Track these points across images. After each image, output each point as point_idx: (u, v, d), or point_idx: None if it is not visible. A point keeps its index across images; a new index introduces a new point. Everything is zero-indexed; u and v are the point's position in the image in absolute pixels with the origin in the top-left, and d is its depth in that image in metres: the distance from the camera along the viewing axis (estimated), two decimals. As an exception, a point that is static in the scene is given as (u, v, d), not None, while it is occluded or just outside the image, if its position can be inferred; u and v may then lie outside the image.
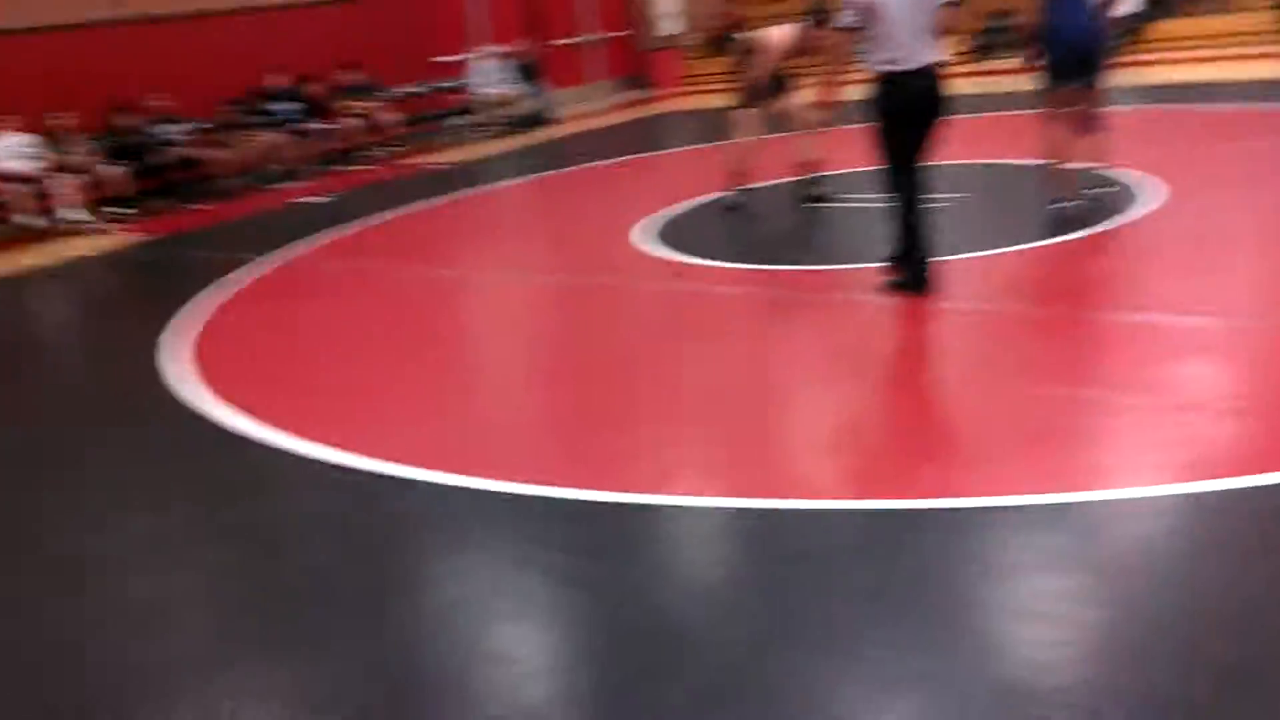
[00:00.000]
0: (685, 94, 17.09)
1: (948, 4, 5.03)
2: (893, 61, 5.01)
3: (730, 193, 7.52)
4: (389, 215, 9.10)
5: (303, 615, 2.84)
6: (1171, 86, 11.06)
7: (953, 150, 8.58)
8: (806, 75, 7.28)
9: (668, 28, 18.76)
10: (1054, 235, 5.75)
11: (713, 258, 6.21)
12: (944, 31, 5.09)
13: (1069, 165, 6.10)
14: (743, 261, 6.11)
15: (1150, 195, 6.37)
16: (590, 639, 2.61)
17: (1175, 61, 12.78)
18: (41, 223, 9.86)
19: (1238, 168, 7.16)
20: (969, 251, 5.65)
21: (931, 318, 4.85)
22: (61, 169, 10.09)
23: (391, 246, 7.97)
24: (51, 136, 10.27)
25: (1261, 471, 2.99)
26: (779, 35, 7.11)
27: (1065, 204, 6.05)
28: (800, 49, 7.11)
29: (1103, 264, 5.53)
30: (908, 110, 5.06)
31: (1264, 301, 4.57)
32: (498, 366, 5.15)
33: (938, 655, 2.34)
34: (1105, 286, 5.26)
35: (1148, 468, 3.17)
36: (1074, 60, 5.95)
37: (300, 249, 8.03)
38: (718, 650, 2.44)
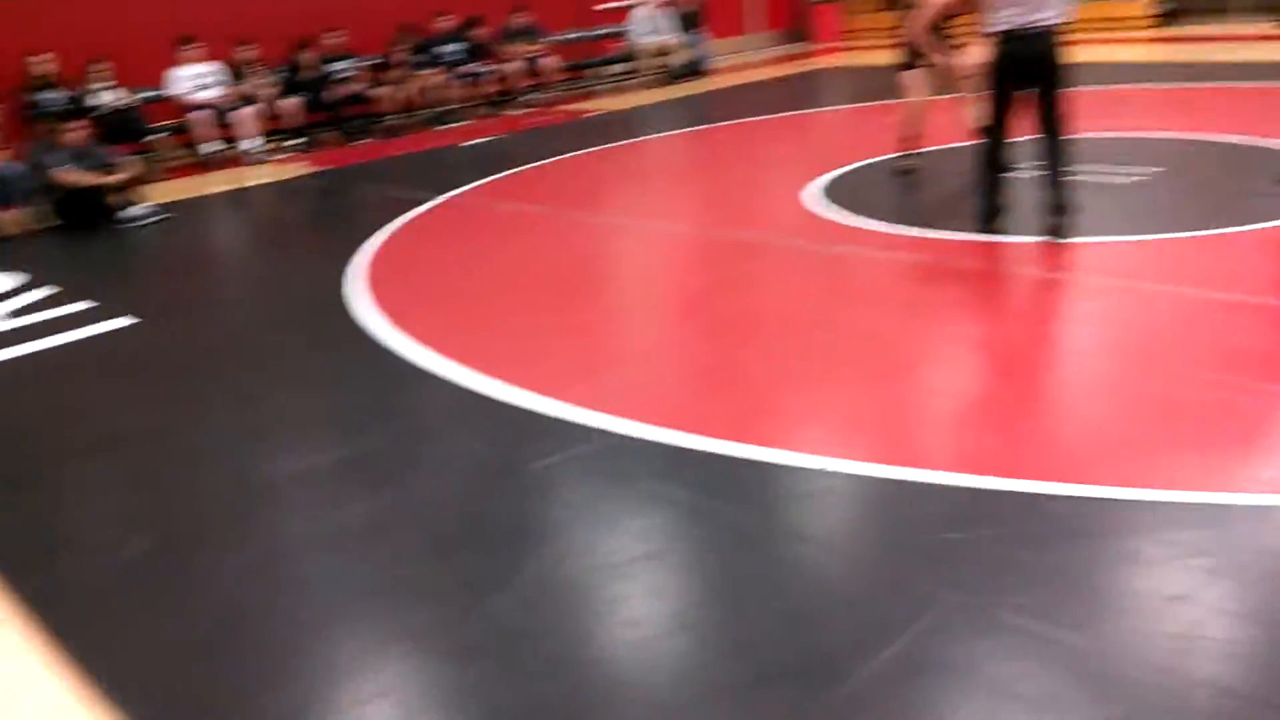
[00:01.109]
0: (846, 49, 16.65)
1: None
2: (1008, 22, 5.10)
3: (902, 155, 7.29)
4: (550, 160, 9.18)
5: (454, 556, 2.92)
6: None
7: (1135, 122, 8.25)
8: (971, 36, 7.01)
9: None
10: (1251, 222, 5.37)
11: (882, 219, 6.05)
12: None
13: None
14: (912, 226, 5.92)
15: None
16: (734, 583, 2.59)
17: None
18: (223, 149, 10.34)
19: None
20: (1149, 233, 5.35)
21: (1100, 295, 4.61)
22: (242, 99, 10.54)
23: (554, 191, 8.04)
24: (234, 68, 10.72)
25: None
26: None
27: None
28: (961, 8, 6.75)
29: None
30: (1019, 72, 5.17)
31: None
32: (656, 317, 5.15)
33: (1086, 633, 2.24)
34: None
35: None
36: None
37: (464, 188, 8.19)
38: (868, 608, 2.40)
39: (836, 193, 6.82)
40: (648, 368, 4.33)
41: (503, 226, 7.03)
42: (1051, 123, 5.29)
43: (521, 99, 12.83)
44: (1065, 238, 5.27)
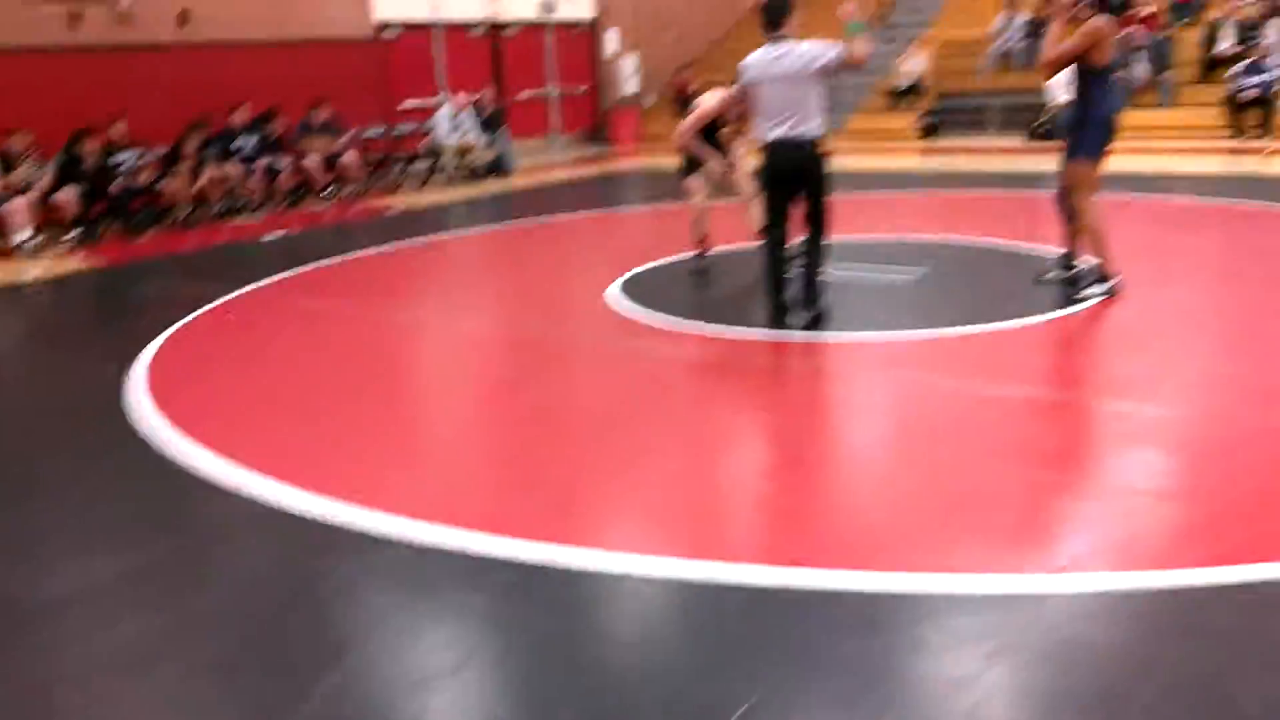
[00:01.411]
0: (643, 152, 17.31)
1: (826, 67, 5.50)
2: (772, 133, 5.62)
3: (696, 255, 7.59)
4: (347, 256, 9.02)
5: (240, 673, 2.76)
6: (1122, 177, 11.48)
7: (907, 225, 8.94)
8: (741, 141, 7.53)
9: (629, 86, 19.03)
10: (1013, 317, 5.86)
11: (678, 316, 6.24)
12: (857, 63, 5.56)
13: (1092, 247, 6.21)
14: (705, 323, 6.13)
15: (1102, 283, 6.53)
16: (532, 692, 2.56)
17: (1119, 151, 13.28)
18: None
19: (1191, 259, 7.42)
20: (922, 329, 5.74)
21: (881, 388, 4.92)
22: (9, 189, 9.87)
23: (353, 288, 7.88)
24: (4, 157, 10.05)
25: (1222, 564, 3.06)
26: (709, 100, 7.16)
27: (1105, 281, 6.13)
28: (730, 115, 7.19)
29: (1059, 348, 5.67)
30: (784, 179, 5.66)
31: (1238, 396, 4.68)
32: (457, 417, 5.09)
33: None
34: (1058, 370, 5.39)
35: (1100, 554, 3.22)
36: (1110, 140, 6.06)
37: (259, 284, 7.91)
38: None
39: (636, 290, 7.01)
40: (448, 469, 4.26)
41: (298, 324, 6.82)
42: (812, 226, 5.76)
43: (321, 194, 12.61)
44: (822, 332, 5.67)
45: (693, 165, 7.42)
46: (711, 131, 7.15)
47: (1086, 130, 6.02)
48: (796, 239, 5.88)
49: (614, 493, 3.91)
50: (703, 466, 4.13)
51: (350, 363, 5.82)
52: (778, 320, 5.86)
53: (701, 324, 6.09)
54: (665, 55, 19.50)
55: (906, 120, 16.52)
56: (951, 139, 16.06)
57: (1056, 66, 6.05)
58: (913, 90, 16.84)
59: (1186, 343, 5.50)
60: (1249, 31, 14.40)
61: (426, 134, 14.48)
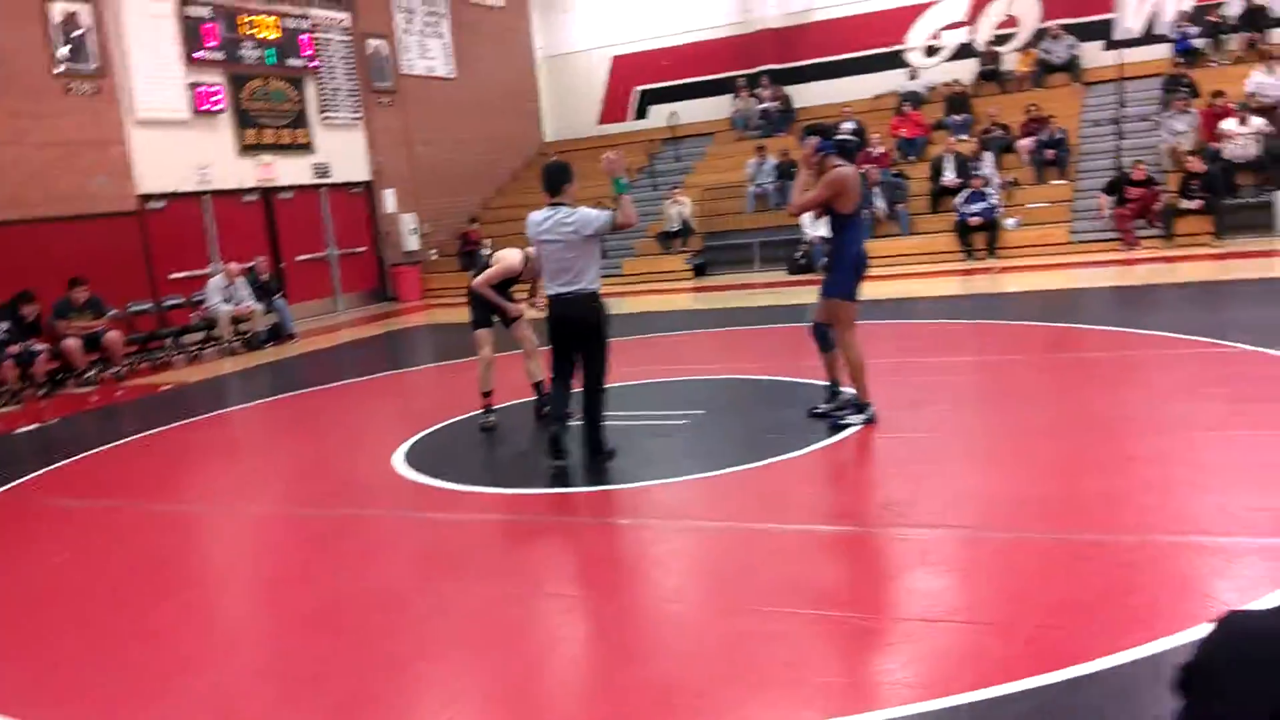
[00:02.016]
0: (428, 307, 17.41)
1: (598, 231, 5.98)
2: (552, 288, 6.06)
3: (483, 411, 7.66)
4: (118, 443, 8.56)
5: None
6: (872, 304, 12.47)
7: (687, 365, 9.37)
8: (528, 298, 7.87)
9: (412, 243, 19.23)
10: (788, 451, 6.23)
11: (466, 480, 6.27)
12: (627, 225, 6.06)
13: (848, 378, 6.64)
14: (493, 485, 6.20)
15: (861, 409, 7.03)
16: None
17: (868, 279, 14.46)
18: None
19: (942, 379, 8.11)
20: (701, 472, 5.97)
21: (676, 538, 5.11)
22: None
23: (119, 479, 7.47)
24: None
25: (987, 685, 3.33)
26: (504, 258, 7.51)
27: (853, 412, 6.56)
28: (524, 274, 7.59)
29: (821, 479, 6.04)
30: (563, 331, 6.06)
31: (990, 511, 5.09)
32: (234, 617, 4.88)
33: None
34: (829, 501, 5.75)
35: (871, 688, 3.45)
36: (860, 276, 6.58)
37: (9, 485, 7.37)
38: None
39: (424, 454, 6.99)
40: (222, 679, 4.03)
41: (54, 527, 6.37)
42: (591, 376, 6.11)
43: (84, 377, 11.96)
44: (607, 484, 5.88)
45: (482, 318, 7.59)
46: (506, 285, 7.48)
47: (837, 271, 6.58)
48: (577, 390, 6.12)
49: (402, 684, 3.85)
50: (496, 644, 4.12)
51: (109, 568, 5.48)
52: (559, 473, 6.04)
53: (490, 487, 6.14)
54: (445, 211, 19.91)
55: (678, 261, 17.42)
56: (721, 277, 17.02)
57: (804, 211, 6.64)
58: (681, 232, 17.83)
59: (942, 463, 5.88)
60: (968, 164, 16.17)
61: (199, 305, 14.07)
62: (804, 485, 5.80)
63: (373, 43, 18.85)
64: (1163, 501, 4.87)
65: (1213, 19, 17.76)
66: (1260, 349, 7.47)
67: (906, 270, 14.64)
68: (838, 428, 6.53)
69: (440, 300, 17.62)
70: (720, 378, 8.75)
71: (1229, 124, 14.74)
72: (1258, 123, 14.70)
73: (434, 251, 19.58)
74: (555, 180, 6.15)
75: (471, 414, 7.84)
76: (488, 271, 7.49)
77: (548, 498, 5.87)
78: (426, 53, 20.21)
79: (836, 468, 6.14)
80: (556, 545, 5.32)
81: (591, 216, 6.04)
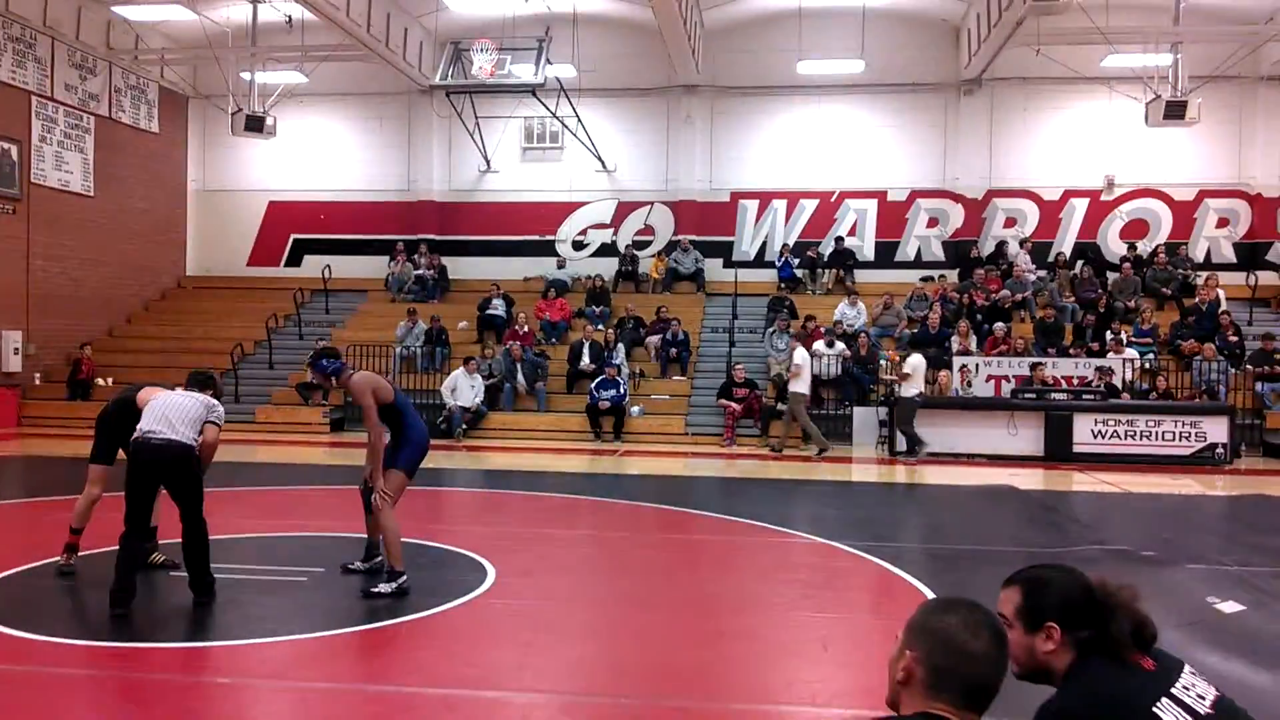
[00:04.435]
0: (22, 436, 15.67)
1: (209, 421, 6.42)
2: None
3: (64, 556, 7.03)
4: None
5: None
6: (500, 472, 12.97)
7: (319, 520, 9.16)
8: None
9: (13, 364, 17.36)
10: (412, 612, 6.31)
11: (52, 633, 5.74)
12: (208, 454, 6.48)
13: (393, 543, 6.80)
14: (91, 637, 5.75)
15: (481, 576, 7.30)
16: None
17: (505, 450, 15.05)
18: None
19: (561, 552, 8.57)
20: (312, 631, 5.93)
21: (268, 698, 5.02)
22: None
23: None
24: None
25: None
26: (148, 394, 7.07)
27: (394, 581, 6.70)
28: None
29: (443, 642, 6.19)
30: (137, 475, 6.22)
31: (592, 678, 5.43)
32: None
33: None
34: (444, 665, 5.90)
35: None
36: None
37: None
38: None
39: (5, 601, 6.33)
40: None
41: None
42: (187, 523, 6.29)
43: None
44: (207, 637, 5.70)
45: (105, 453, 7.05)
46: None
47: (403, 449, 6.89)
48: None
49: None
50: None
51: None
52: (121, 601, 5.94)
53: (77, 640, 5.68)
54: (60, 334, 18.27)
55: (316, 413, 17.09)
56: (358, 433, 16.85)
57: (374, 427, 6.85)
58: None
59: (561, 631, 6.22)
60: (603, 352, 17.48)
61: None
62: (414, 648, 5.91)
63: (2, 144, 17.39)
64: (744, 672, 5.52)
65: (811, 255, 20.83)
66: (825, 540, 8.68)
67: (540, 444, 15.36)
68: (367, 593, 6.64)
69: (38, 429, 15.93)
70: (350, 535, 8.67)
71: (819, 345, 17.17)
72: (840, 347, 17.27)
73: (38, 375, 17.79)
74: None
75: (53, 559, 7.16)
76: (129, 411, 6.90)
77: (139, 650, 5.53)
78: (63, 164, 18.92)
79: (449, 632, 6.29)
80: (144, 706, 5.01)
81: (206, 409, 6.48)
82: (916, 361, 14.95)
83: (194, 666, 5.47)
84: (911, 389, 14.73)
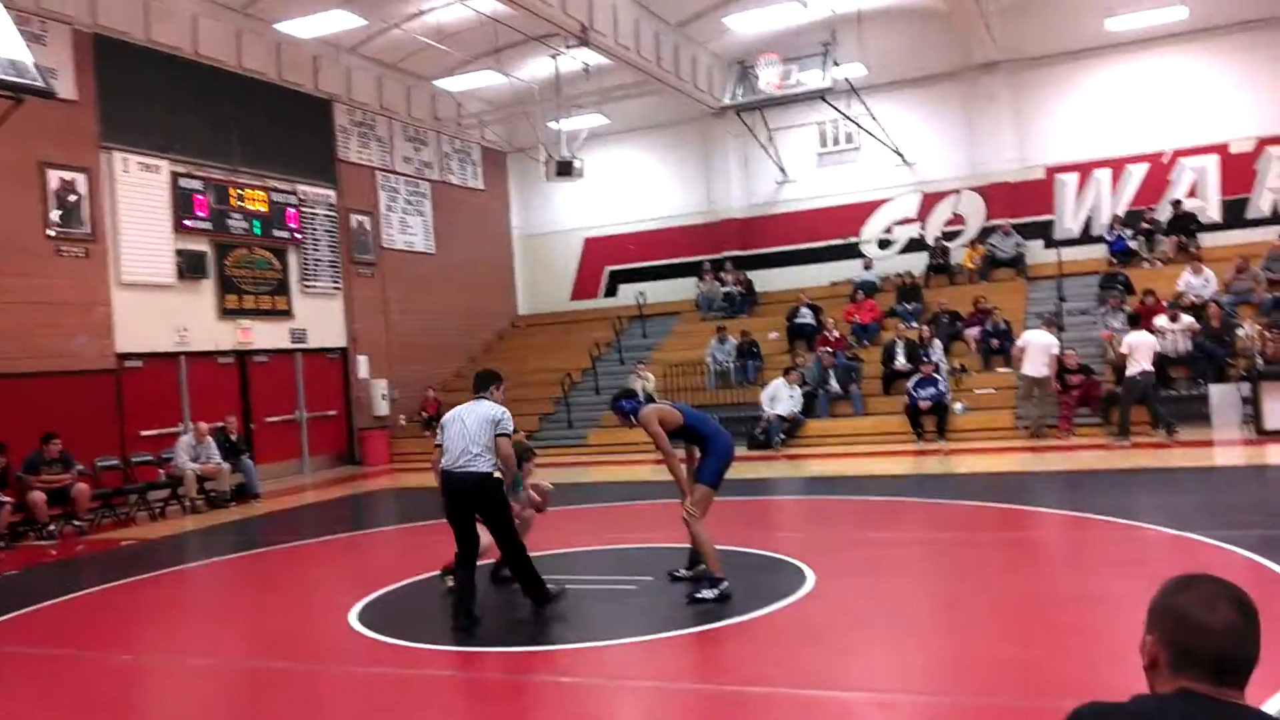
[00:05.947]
0: (393, 471, 17.66)
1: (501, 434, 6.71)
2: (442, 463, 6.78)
3: (445, 572, 7.87)
4: (77, 595, 8.66)
5: None
6: (819, 478, 12.93)
7: (648, 533, 9.64)
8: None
9: (382, 408, 19.64)
10: (716, 619, 6.50)
11: (422, 640, 6.47)
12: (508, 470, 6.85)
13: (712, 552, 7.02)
14: (452, 644, 6.40)
15: (800, 580, 7.35)
16: None
17: (824, 456, 14.98)
18: None
19: (883, 554, 8.46)
20: (643, 634, 6.22)
21: (612, 698, 5.34)
22: None
23: (77, 631, 7.56)
24: None
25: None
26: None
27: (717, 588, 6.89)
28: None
29: (763, 644, 6.30)
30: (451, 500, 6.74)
31: (915, 678, 5.37)
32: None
33: None
34: (764, 665, 6.00)
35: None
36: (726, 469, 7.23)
37: (-31, 635, 7.45)
38: None
39: (380, 613, 7.19)
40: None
41: (11, 676, 6.46)
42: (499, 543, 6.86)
43: (47, 529, 12.04)
44: (552, 641, 6.09)
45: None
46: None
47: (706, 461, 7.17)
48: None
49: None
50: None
51: (60, 714, 5.60)
52: (468, 625, 6.53)
53: (442, 646, 6.35)
54: (418, 379, 20.43)
55: (640, 433, 17.84)
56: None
57: (665, 447, 7.13)
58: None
59: (880, 631, 6.19)
60: (918, 350, 16.98)
61: (166, 462, 14.28)
62: (744, 649, 6.06)
63: (356, 217, 19.80)
64: (1074, 669, 5.19)
65: (1145, 223, 19.10)
66: (1178, 531, 7.92)
67: (860, 449, 15.16)
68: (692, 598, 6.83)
69: (406, 465, 17.90)
70: (680, 546, 9.03)
71: (1161, 320, 15.68)
72: (1187, 320, 15.66)
73: (403, 417, 19.99)
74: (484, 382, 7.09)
75: (429, 574, 8.06)
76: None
77: (495, 655, 6.08)
78: (407, 229, 21.21)
79: (770, 634, 6.39)
80: (508, 705, 5.51)
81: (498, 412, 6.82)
82: (1135, 340, 14.29)
83: (541, 668, 5.94)
84: (1134, 367, 14.04)
